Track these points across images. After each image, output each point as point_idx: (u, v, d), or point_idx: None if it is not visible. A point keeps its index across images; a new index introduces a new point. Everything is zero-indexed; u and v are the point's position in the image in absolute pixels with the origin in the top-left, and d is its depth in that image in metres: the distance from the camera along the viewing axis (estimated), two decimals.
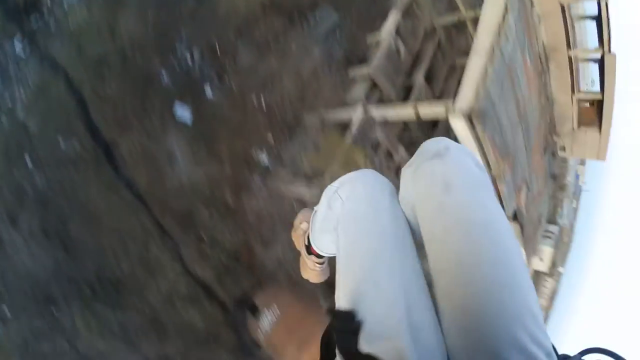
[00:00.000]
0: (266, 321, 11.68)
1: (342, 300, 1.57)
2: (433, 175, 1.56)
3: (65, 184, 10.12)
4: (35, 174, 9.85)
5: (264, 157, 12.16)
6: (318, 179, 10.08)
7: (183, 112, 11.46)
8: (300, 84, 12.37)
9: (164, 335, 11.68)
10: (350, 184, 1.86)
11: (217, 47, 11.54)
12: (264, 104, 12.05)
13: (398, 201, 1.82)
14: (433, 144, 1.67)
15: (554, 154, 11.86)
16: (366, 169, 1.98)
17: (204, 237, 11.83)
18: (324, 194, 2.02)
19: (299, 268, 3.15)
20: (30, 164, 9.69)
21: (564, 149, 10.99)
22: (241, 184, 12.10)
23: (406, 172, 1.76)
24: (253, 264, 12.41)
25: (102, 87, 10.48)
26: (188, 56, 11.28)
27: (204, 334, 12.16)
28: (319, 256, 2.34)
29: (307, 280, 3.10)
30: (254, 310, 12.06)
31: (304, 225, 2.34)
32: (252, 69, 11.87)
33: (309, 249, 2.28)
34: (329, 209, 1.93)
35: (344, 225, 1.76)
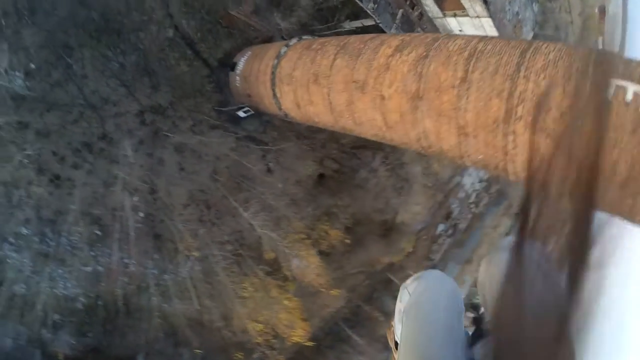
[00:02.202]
0: (239, 67, 13.48)
1: None
2: (501, 265, 1.85)
3: None
4: None
5: None
6: None
7: None
8: None
9: (156, 84, 13.81)
10: (417, 281, 2.18)
11: None
12: None
13: (456, 295, 2.10)
14: (507, 241, 1.96)
15: None
16: (433, 270, 2.30)
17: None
18: (400, 289, 2.30)
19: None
20: None
21: None
22: None
23: (484, 262, 2.10)
24: (232, 26, 14.38)
25: None
26: None
27: (191, 87, 14.19)
28: None
29: None
30: (233, 67, 13.96)
31: (393, 322, 2.46)
32: None
33: (397, 344, 2.40)
34: (400, 302, 2.23)
35: (406, 316, 2.06)
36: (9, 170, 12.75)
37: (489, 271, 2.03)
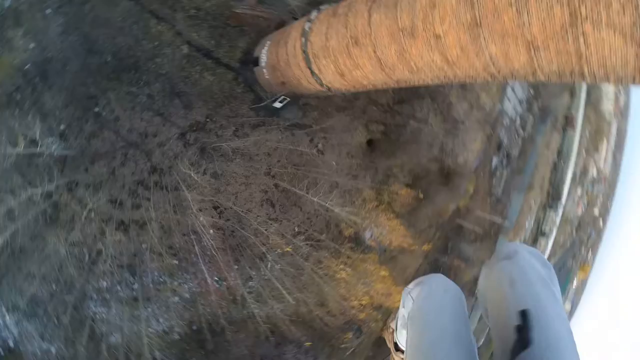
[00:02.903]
0: (264, 59, 13.38)
1: None
2: (501, 273, 2.03)
3: None
4: None
5: None
6: None
7: None
8: None
9: (188, 103, 13.90)
10: (420, 286, 2.25)
11: None
12: None
13: (461, 299, 2.17)
14: (506, 247, 2.19)
15: None
16: (435, 274, 2.38)
17: (189, 8, 13.95)
18: (402, 294, 2.38)
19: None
20: None
21: None
22: None
23: (484, 270, 2.22)
24: (242, 24, 14.27)
25: None
26: None
27: (221, 95, 14.21)
28: (403, 352, 2.51)
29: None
30: (255, 62, 13.88)
31: (392, 324, 2.58)
32: None
33: (397, 346, 2.50)
34: (403, 307, 2.31)
35: (411, 322, 2.11)
36: (76, 231, 13.09)
37: (489, 280, 2.11)
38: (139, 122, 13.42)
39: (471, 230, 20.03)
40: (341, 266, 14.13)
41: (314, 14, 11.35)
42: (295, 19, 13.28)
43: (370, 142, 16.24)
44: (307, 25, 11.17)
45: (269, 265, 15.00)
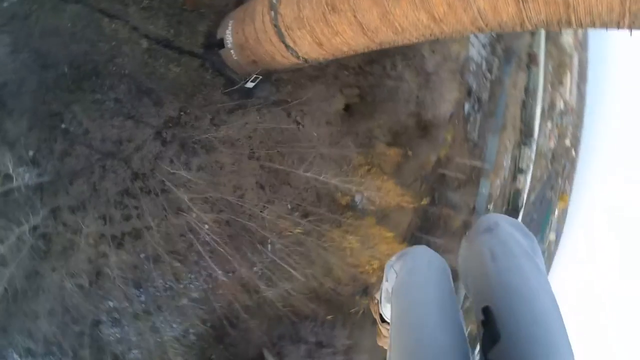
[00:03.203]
0: (229, 40, 12.93)
1: None
2: (482, 247, 1.93)
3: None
4: None
5: None
6: None
7: None
8: None
9: (158, 99, 13.27)
10: (403, 259, 2.19)
11: None
12: None
13: (446, 271, 2.11)
14: (485, 220, 2.09)
15: None
16: (419, 246, 2.31)
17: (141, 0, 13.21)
18: (385, 267, 2.33)
19: None
20: None
21: None
22: None
23: (464, 244, 2.13)
24: (198, 6, 13.70)
25: None
26: None
27: (191, 85, 13.68)
28: (389, 323, 2.48)
29: None
30: (220, 44, 13.41)
31: (377, 295, 2.56)
32: None
33: (382, 318, 2.49)
34: (386, 281, 2.27)
35: (395, 297, 2.08)
36: (71, 258, 12.57)
37: (470, 255, 2.05)
38: (111, 129, 12.78)
39: (454, 177, 20.55)
40: (343, 235, 14.19)
41: None
42: None
43: (347, 107, 16.18)
44: None
45: (269, 248, 14.94)
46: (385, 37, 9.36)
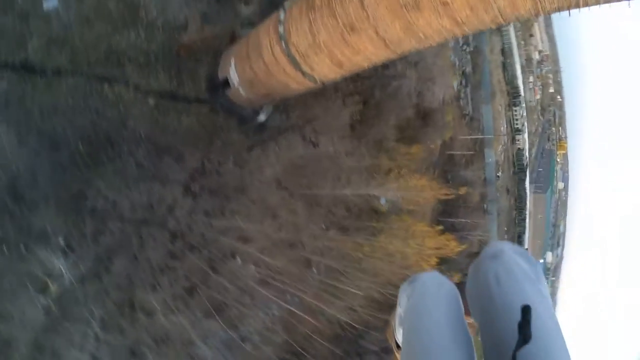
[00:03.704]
0: (235, 79, 12.84)
1: None
2: (488, 272, 2.07)
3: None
4: None
5: None
6: None
7: None
8: None
9: (178, 154, 13.15)
10: (413, 284, 2.28)
11: None
12: None
13: (456, 296, 2.16)
14: (491, 247, 2.23)
15: None
16: (429, 271, 2.40)
17: (135, 57, 12.98)
18: (399, 291, 2.42)
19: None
20: None
21: None
22: None
23: (471, 270, 2.27)
24: (193, 52, 13.55)
25: None
26: None
27: (206, 132, 13.58)
28: None
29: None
30: (225, 85, 13.30)
31: (393, 322, 2.57)
32: None
33: (398, 344, 2.47)
34: (399, 306, 2.33)
35: (406, 321, 2.14)
36: (135, 340, 12.32)
37: (476, 280, 2.20)
38: (139, 196, 12.52)
39: (461, 155, 21.04)
40: (389, 240, 14.42)
41: (282, 15, 10.95)
42: (251, 25, 12.81)
43: (354, 116, 16.37)
44: (280, 29, 10.80)
45: (315, 271, 15.05)
46: (409, 46, 9.54)
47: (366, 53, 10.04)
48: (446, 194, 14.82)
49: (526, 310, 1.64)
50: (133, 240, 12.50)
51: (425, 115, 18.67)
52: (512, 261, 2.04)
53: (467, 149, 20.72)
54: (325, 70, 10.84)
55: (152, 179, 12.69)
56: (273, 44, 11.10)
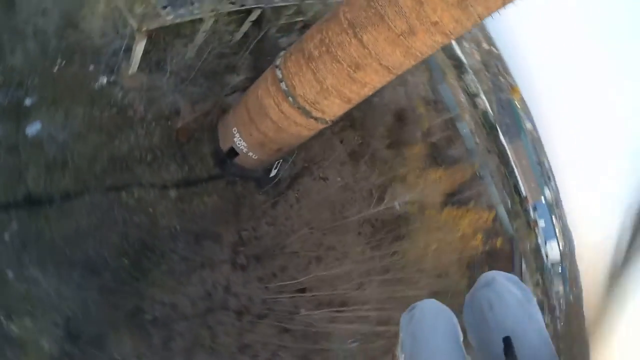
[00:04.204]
0: (242, 145, 13.15)
1: None
2: (481, 299, 2.23)
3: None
4: None
5: None
6: None
7: None
8: None
9: (215, 236, 13.28)
10: (413, 311, 2.40)
11: None
12: None
13: (453, 322, 2.30)
14: (484, 276, 2.37)
15: None
16: (429, 299, 2.50)
17: (142, 157, 13.00)
18: (401, 319, 2.52)
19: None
20: None
21: None
22: None
23: (467, 299, 2.40)
24: (191, 133, 13.76)
25: None
26: None
27: (230, 205, 13.81)
28: None
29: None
30: (232, 154, 13.57)
31: (397, 351, 2.62)
32: None
33: None
34: (401, 333, 2.45)
35: (406, 346, 2.28)
36: None
37: (471, 308, 2.37)
38: (194, 289, 12.55)
39: (441, 138, 22.21)
40: (426, 237, 15.18)
41: (279, 74, 11.48)
42: (242, 90, 13.22)
43: (344, 140, 17.07)
44: (282, 86, 11.32)
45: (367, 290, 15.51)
46: (408, 66, 10.48)
47: (373, 83, 10.81)
48: (463, 177, 15.84)
49: (507, 342, 1.89)
50: (203, 333, 12.47)
51: (400, 116, 19.72)
52: (503, 288, 2.24)
53: (442, 131, 22.01)
54: (336, 109, 11.48)
55: (201, 267, 12.76)
56: (279, 101, 11.59)
